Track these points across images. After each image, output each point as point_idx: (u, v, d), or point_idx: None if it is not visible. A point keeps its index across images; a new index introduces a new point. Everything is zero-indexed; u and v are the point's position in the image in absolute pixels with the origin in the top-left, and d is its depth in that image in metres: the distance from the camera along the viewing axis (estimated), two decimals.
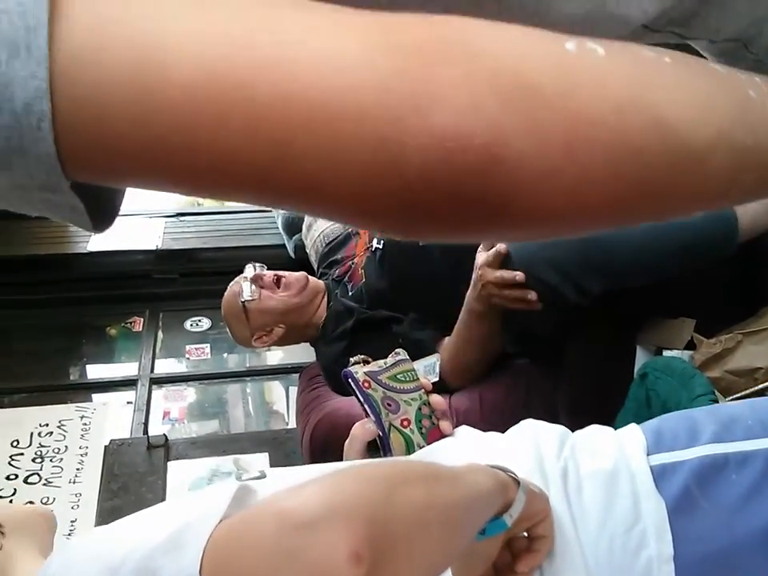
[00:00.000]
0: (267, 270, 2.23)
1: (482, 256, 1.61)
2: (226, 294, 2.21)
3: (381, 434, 1.03)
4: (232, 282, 2.22)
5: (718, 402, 1.33)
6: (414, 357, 1.82)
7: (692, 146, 0.38)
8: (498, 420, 1.74)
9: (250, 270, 2.18)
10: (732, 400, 1.44)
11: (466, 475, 0.69)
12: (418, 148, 0.34)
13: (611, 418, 1.53)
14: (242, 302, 2.14)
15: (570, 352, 1.75)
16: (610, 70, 0.38)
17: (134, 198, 3.79)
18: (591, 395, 1.69)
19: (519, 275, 1.54)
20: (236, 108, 0.34)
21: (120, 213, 0.43)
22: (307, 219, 2.77)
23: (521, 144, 0.35)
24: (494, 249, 1.58)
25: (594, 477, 0.87)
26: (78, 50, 0.33)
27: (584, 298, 1.55)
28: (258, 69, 0.34)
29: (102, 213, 0.40)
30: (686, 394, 1.34)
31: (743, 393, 1.46)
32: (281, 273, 2.21)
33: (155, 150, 0.35)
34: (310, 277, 2.24)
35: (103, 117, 0.33)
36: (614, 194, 0.38)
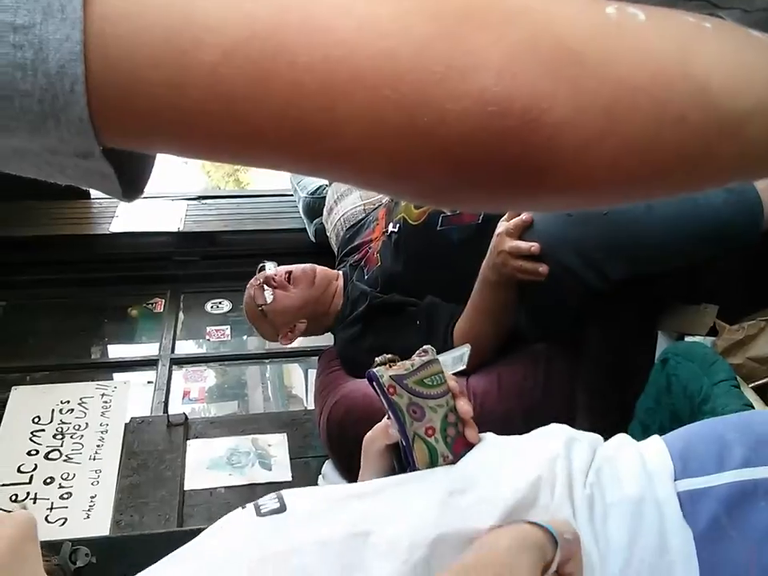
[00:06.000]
0: (278, 266, 2.25)
1: (502, 224, 1.61)
2: (245, 299, 2.27)
3: (404, 443, 0.98)
4: (247, 285, 2.26)
5: (739, 388, 1.32)
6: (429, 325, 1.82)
7: (733, 113, 0.38)
8: (515, 403, 1.74)
9: (261, 274, 2.23)
10: (754, 386, 1.42)
11: (509, 566, 0.69)
12: (458, 113, 0.34)
13: (631, 403, 1.52)
14: (259, 308, 2.18)
15: (590, 336, 1.73)
16: (651, 35, 0.37)
17: (157, 181, 3.82)
18: (611, 380, 1.68)
19: (534, 246, 1.53)
20: (276, 73, 0.33)
21: (145, 192, 0.43)
22: (328, 203, 2.77)
23: (561, 110, 0.34)
24: (516, 218, 1.57)
25: (620, 506, 0.85)
26: (113, 12, 0.32)
27: (605, 284, 1.54)
28: (298, 35, 0.33)
29: (132, 182, 0.40)
30: (708, 379, 1.33)
31: (765, 380, 1.44)
32: (289, 267, 2.23)
33: (190, 114, 0.34)
34: (317, 267, 2.25)
35: (137, 80, 0.33)
36: (654, 162, 0.37)
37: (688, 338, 1.62)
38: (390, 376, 1.00)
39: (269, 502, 0.83)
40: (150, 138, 0.37)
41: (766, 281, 1.66)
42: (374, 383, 1.00)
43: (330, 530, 0.78)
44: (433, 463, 0.97)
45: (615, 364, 1.70)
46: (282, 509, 0.81)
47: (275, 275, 2.19)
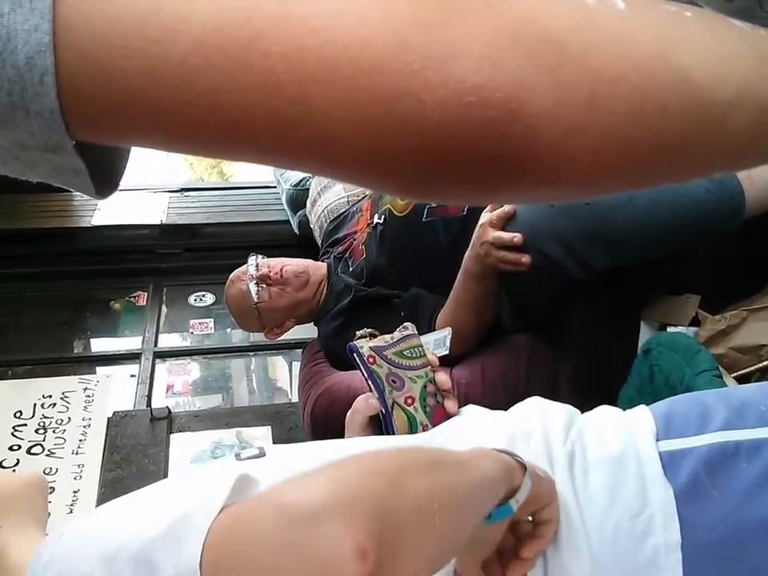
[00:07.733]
0: (267, 258, 2.17)
1: (485, 215, 1.60)
2: (230, 291, 2.18)
3: (383, 411, 1.01)
4: (233, 277, 2.18)
5: (721, 378, 1.33)
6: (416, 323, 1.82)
7: (715, 103, 0.37)
8: (499, 393, 1.74)
9: (253, 268, 2.12)
10: (736, 376, 1.43)
11: (470, 462, 0.68)
12: (437, 103, 0.33)
13: (614, 394, 1.52)
14: (255, 306, 2.10)
15: (573, 327, 1.74)
16: (631, 24, 0.36)
17: (139, 173, 3.80)
18: (593, 370, 1.68)
19: (517, 237, 1.53)
20: (249, 63, 0.32)
21: (123, 186, 0.42)
22: (311, 195, 2.76)
23: (542, 100, 0.34)
24: (499, 209, 1.57)
25: (601, 462, 0.86)
26: (82, 1, 0.32)
27: (587, 273, 1.54)
28: (273, 23, 0.32)
29: (105, 179, 0.39)
30: (690, 369, 1.33)
31: (748, 369, 1.45)
32: (281, 263, 2.16)
33: (163, 106, 0.34)
34: (310, 265, 2.19)
35: (109, 70, 0.32)
36: (636, 153, 0.37)
37: (670, 328, 1.62)
38: (369, 347, 1.04)
39: (249, 450, 0.84)
40: (122, 130, 0.36)
41: (748, 271, 1.67)
42: (355, 354, 1.04)
43: (306, 464, 0.79)
44: (412, 431, 1.00)
45: (598, 354, 1.70)
46: (260, 455, 0.82)
47: (270, 274, 2.11)
